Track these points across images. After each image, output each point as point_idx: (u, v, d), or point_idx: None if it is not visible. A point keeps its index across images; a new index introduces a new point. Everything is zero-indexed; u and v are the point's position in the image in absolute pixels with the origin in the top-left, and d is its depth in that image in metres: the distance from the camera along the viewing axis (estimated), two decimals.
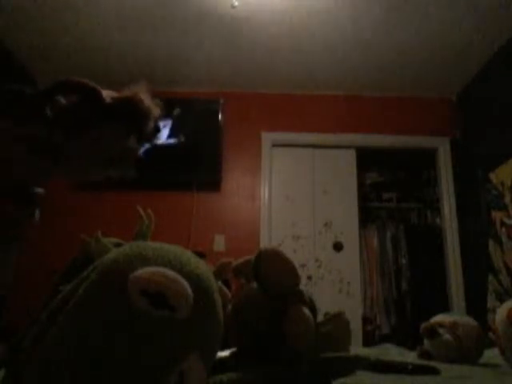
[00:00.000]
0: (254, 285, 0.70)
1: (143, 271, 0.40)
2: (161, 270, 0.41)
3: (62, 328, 0.41)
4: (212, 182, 3.50)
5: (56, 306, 0.43)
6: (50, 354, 0.39)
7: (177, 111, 3.50)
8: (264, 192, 3.54)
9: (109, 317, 0.39)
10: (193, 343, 0.42)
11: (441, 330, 1.32)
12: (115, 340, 0.39)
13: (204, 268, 0.47)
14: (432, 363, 1.18)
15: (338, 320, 0.80)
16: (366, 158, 3.90)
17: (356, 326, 3.31)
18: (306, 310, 0.66)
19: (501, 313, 1.14)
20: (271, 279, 0.63)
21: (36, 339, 0.42)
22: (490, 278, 2.96)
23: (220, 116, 3.50)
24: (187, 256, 0.46)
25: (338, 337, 0.80)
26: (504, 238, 2.84)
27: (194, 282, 0.43)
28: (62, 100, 1.09)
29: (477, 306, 3.13)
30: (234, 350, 0.67)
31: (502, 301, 2.64)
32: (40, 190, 1.21)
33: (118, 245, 0.51)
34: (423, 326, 1.38)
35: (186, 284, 0.40)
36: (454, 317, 1.37)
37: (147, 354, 0.39)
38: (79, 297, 0.42)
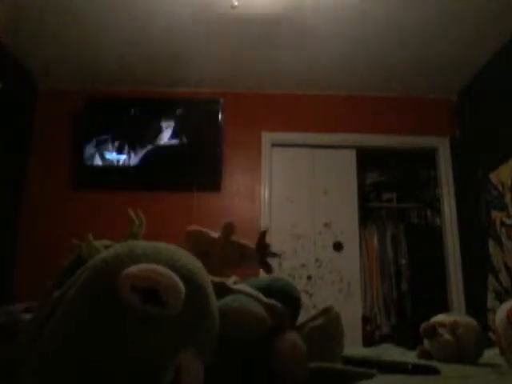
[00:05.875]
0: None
1: (133, 268, 0.40)
2: (151, 266, 0.41)
3: (55, 329, 0.41)
4: (212, 182, 3.50)
5: (50, 308, 0.43)
6: (46, 355, 0.39)
7: (179, 112, 3.51)
8: (264, 192, 3.54)
9: (100, 315, 0.39)
10: (187, 339, 0.42)
11: (441, 330, 1.32)
12: (108, 338, 0.39)
13: (196, 263, 0.47)
14: (432, 363, 1.18)
15: (328, 314, 0.80)
16: (366, 158, 3.90)
17: (356, 326, 3.31)
18: (294, 338, 0.65)
19: (501, 313, 1.14)
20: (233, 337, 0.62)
21: (31, 340, 0.42)
22: (490, 277, 2.96)
23: (220, 116, 3.50)
24: (179, 253, 0.46)
25: (331, 331, 0.80)
26: (504, 238, 2.84)
27: (185, 277, 0.42)
28: None
29: (477, 306, 3.12)
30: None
31: (501, 301, 2.64)
32: None
33: (110, 247, 0.51)
34: (423, 326, 1.38)
35: (177, 279, 0.40)
36: (454, 317, 1.37)
37: (140, 350, 0.39)
38: (71, 297, 0.42)
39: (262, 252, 1.02)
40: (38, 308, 0.47)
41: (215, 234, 1.00)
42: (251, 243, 1.04)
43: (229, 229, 0.99)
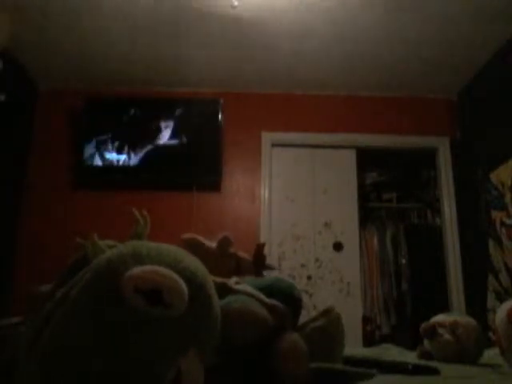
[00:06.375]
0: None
1: (137, 269, 0.40)
2: (155, 267, 0.41)
3: (56, 329, 0.41)
4: (212, 181, 3.50)
5: (52, 308, 0.43)
6: (47, 355, 0.40)
7: (179, 112, 3.51)
8: (264, 192, 3.54)
9: (103, 316, 0.40)
10: (189, 339, 0.42)
11: (441, 330, 1.32)
12: (110, 338, 0.39)
13: (199, 265, 0.47)
14: (432, 363, 1.18)
15: (329, 314, 0.80)
16: (366, 158, 3.89)
17: (356, 326, 3.31)
18: (296, 339, 0.66)
19: (501, 313, 1.14)
20: (236, 336, 0.62)
21: (32, 340, 0.42)
22: (490, 277, 2.96)
23: (220, 116, 3.50)
24: (182, 254, 0.46)
25: (332, 331, 0.80)
26: (504, 238, 2.84)
27: (188, 278, 0.43)
28: None
29: (477, 306, 3.13)
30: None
31: (501, 301, 2.64)
32: None
33: (114, 247, 0.51)
34: (423, 326, 1.38)
35: (180, 280, 0.40)
36: (454, 317, 1.37)
37: (143, 351, 0.39)
38: (74, 297, 0.42)
39: (259, 265, 1.03)
40: (38, 309, 0.47)
41: (211, 244, 1.00)
42: (248, 255, 1.04)
43: (225, 243, 1.00)
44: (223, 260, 0.97)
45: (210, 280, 0.47)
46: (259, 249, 1.04)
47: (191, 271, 0.44)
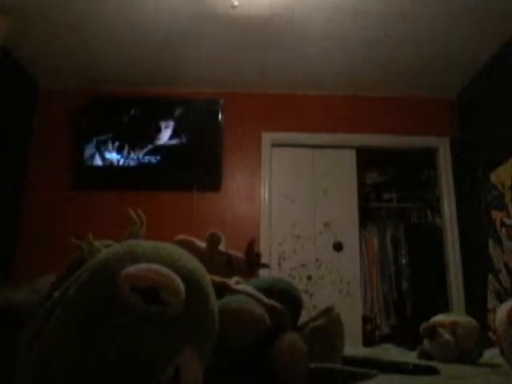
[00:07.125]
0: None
1: (133, 268, 0.40)
2: (151, 265, 0.41)
3: (55, 329, 0.41)
4: (212, 181, 3.50)
5: (50, 308, 0.43)
6: (46, 354, 0.40)
7: (178, 112, 3.51)
8: (264, 192, 3.54)
9: (100, 315, 0.39)
10: (187, 337, 0.42)
11: (441, 330, 1.32)
12: (108, 338, 0.39)
13: (196, 263, 0.47)
14: (432, 363, 1.18)
15: (329, 314, 0.80)
16: (366, 158, 3.89)
17: (356, 326, 3.31)
18: (295, 339, 0.65)
19: (501, 313, 1.14)
20: (233, 335, 0.62)
21: (31, 340, 0.42)
22: (490, 277, 2.96)
23: (220, 116, 3.50)
24: (179, 253, 0.46)
25: (331, 331, 0.80)
26: (504, 238, 2.84)
27: (185, 276, 0.42)
28: None
29: (477, 306, 3.12)
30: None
31: (501, 301, 2.64)
32: None
33: (110, 246, 0.51)
34: (423, 326, 1.38)
35: (177, 278, 0.40)
36: (454, 317, 1.37)
37: (140, 349, 0.39)
38: (71, 297, 0.42)
39: (251, 262, 1.02)
40: (38, 308, 0.47)
41: (203, 244, 0.99)
42: (240, 253, 1.03)
43: (214, 240, 0.98)
44: (214, 259, 0.96)
45: (208, 278, 0.47)
46: (250, 246, 1.03)
47: (188, 269, 0.44)
